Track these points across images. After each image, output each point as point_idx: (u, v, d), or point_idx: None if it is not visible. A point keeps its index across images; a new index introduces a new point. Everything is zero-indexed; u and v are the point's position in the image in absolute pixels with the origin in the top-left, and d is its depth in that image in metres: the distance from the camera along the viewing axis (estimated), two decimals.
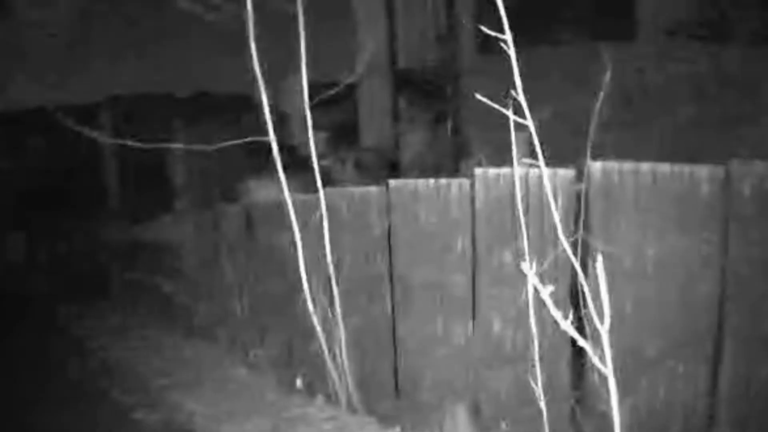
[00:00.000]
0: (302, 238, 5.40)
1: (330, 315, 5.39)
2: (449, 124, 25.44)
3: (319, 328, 5.10)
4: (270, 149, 5.48)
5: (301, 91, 5.76)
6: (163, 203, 19.08)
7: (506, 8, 3.90)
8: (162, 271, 9.95)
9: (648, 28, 22.97)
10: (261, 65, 5.33)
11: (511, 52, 3.69)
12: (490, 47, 4.32)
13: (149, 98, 22.05)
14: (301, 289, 5.23)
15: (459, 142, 24.98)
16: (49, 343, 10.59)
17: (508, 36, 3.66)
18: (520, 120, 3.78)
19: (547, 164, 3.89)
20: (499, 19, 3.77)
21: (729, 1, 21.27)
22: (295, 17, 5.60)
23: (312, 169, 5.76)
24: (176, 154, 20.10)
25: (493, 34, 3.68)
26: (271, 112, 5.44)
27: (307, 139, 5.73)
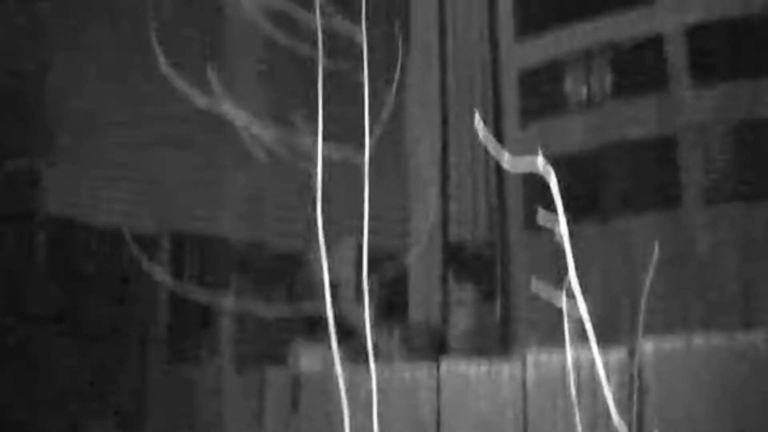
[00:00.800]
0: (350, 413, 5.31)
1: None
2: (498, 304, 25.18)
3: None
4: (321, 315, 5.51)
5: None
6: (210, 345, 18.95)
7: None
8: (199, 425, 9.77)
9: (693, 194, 23.70)
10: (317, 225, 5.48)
11: (565, 238, 3.83)
12: (538, 223, 4.65)
13: (208, 240, 22.66)
14: None
15: (507, 322, 24.89)
16: None
17: (561, 219, 3.84)
18: (570, 306, 3.92)
19: (599, 343, 3.91)
20: (548, 194, 3.97)
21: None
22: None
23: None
24: (227, 302, 20.37)
25: (545, 217, 3.88)
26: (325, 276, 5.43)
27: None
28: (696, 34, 28.51)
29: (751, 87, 26.47)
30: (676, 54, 28.84)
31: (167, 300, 23.99)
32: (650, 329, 21.51)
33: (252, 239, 24.37)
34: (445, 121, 26.90)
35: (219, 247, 23.10)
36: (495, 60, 30.19)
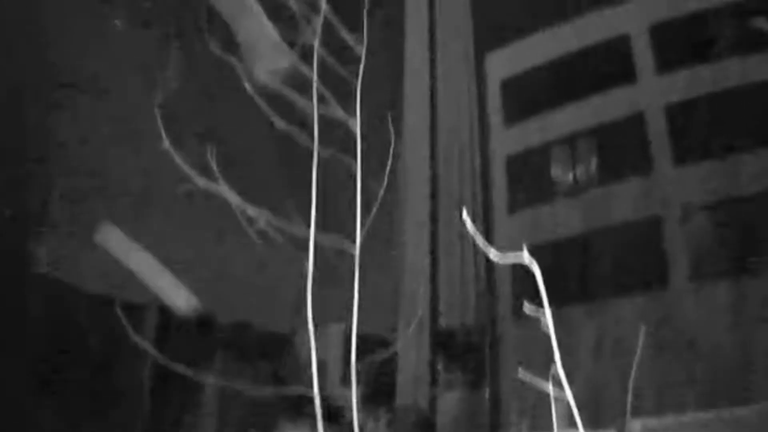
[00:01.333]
0: None
1: None
2: (486, 390, 32.05)
3: None
4: (308, 397, 5.88)
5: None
6: (193, 420, 23.30)
7: (541, 270, 4.33)
8: None
9: (680, 272, 28.15)
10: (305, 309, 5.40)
11: (551, 328, 3.87)
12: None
13: (195, 317, 25.20)
14: None
15: (496, 408, 31.22)
16: None
17: (546, 309, 3.95)
18: (558, 392, 4.06)
19: (587, 426, 4.02)
20: (535, 282, 4.35)
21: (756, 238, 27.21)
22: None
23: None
24: (212, 378, 23.76)
25: (531, 308, 4.23)
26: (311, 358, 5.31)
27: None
28: (676, 110, 28.01)
29: (732, 163, 27.27)
30: (658, 133, 28.14)
31: (151, 371, 23.47)
32: (639, 410, 26.91)
33: (239, 319, 23.79)
34: (434, 210, 27.34)
35: (205, 322, 22.86)
36: (483, 146, 27.65)
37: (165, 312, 24.51)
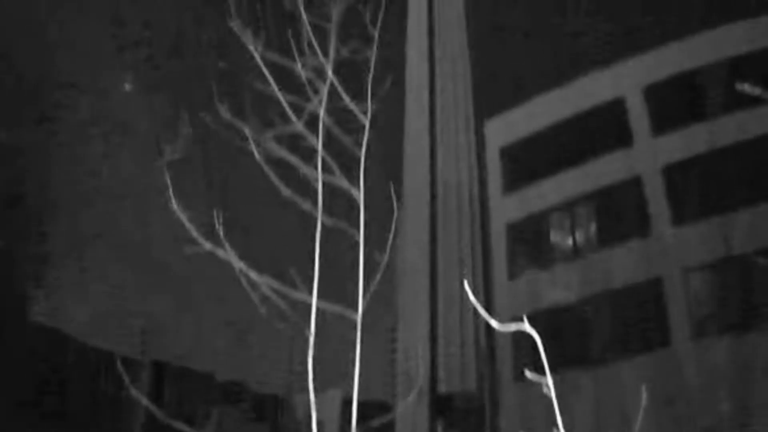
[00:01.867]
0: None
1: None
2: None
3: None
4: None
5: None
6: None
7: (540, 333, 4.34)
8: None
9: (681, 331, 27.81)
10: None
11: (553, 394, 3.83)
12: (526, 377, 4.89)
13: (190, 373, 25.18)
14: None
15: None
16: None
17: (548, 375, 3.92)
18: None
19: None
20: (536, 346, 4.34)
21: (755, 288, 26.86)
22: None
23: None
24: None
25: (532, 375, 4.18)
26: (309, 420, 5.63)
27: None
28: (673, 171, 28.29)
29: (729, 220, 27.35)
30: (655, 194, 28.43)
31: (143, 427, 23.49)
32: None
33: (236, 378, 23.94)
34: (434, 275, 27.33)
35: (202, 380, 22.83)
36: (484, 214, 28.13)
37: (160, 367, 24.65)
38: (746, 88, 28.14)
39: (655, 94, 30.73)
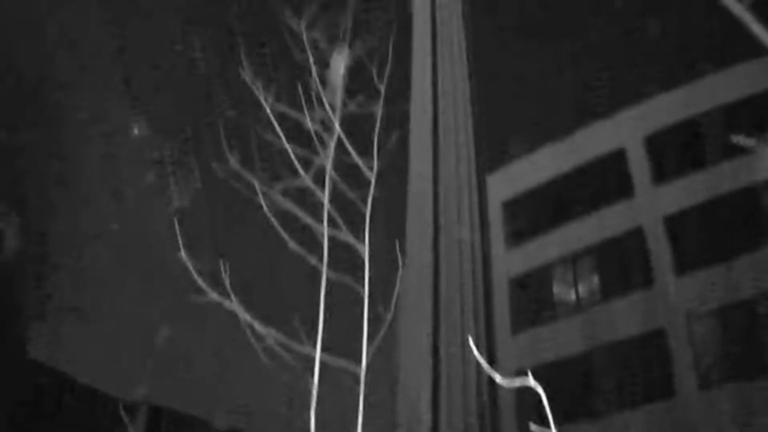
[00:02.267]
0: None
1: None
2: None
3: None
4: None
5: None
6: None
7: (544, 387, 4.49)
8: None
9: (685, 381, 27.04)
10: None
11: None
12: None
13: (189, 419, 24.60)
14: None
15: None
16: None
17: (552, 430, 3.95)
18: None
19: None
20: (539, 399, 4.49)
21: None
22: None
23: None
24: None
25: (537, 429, 4.22)
26: None
27: None
28: (674, 221, 28.35)
29: (731, 267, 27.18)
30: (657, 245, 28.48)
31: None
32: None
33: (236, 426, 23.98)
34: (436, 329, 26.86)
35: (199, 427, 22.98)
36: (486, 269, 27.80)
37: (156, 411, 24.72)
38: (741, 140, 28.27)
39: (656, 142, 30.83)
